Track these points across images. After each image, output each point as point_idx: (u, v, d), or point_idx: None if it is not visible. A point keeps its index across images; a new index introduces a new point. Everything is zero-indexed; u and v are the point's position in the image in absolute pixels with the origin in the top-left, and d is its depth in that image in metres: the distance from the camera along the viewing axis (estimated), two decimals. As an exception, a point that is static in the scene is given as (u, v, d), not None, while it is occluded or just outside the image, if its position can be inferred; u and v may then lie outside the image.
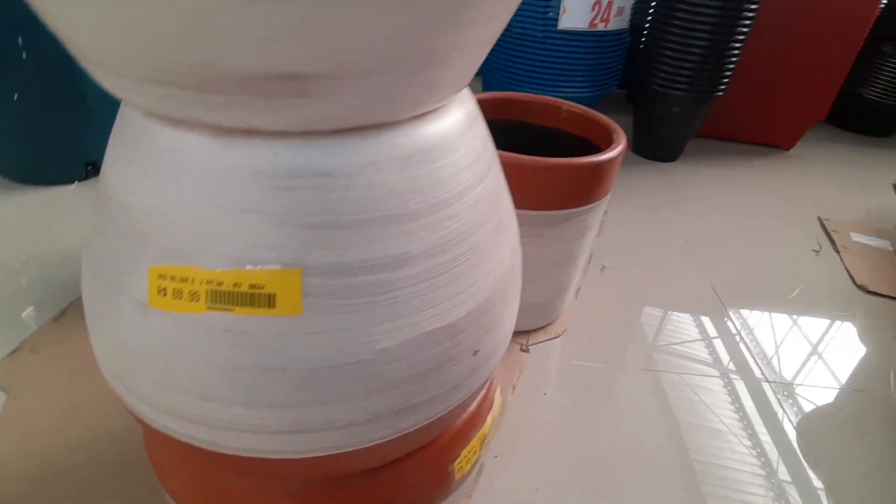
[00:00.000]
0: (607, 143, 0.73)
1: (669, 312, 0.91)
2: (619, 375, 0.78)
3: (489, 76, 1.54)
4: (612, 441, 0.67)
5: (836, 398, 0.78)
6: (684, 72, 1.30)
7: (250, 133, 0.25)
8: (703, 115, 1.41)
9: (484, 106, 0.84)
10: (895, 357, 0.86)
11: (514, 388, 0.73)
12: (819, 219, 1.25)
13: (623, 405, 0.73)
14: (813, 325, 0.92)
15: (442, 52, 0.25)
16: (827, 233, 1.20)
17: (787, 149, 1.64)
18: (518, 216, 0.55)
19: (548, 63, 1.40)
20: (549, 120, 0.85)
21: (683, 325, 0.89)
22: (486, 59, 1.50)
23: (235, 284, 0.26)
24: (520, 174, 0.64)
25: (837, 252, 1.13)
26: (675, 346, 0.84)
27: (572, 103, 0.83)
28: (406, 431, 0.33)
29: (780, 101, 1.54)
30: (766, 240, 1.16)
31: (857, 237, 1.18)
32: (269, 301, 0.26)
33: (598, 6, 1.31)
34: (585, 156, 0.66)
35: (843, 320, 0.94)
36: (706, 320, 0.90)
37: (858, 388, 0.80)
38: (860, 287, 1.02)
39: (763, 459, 0.67)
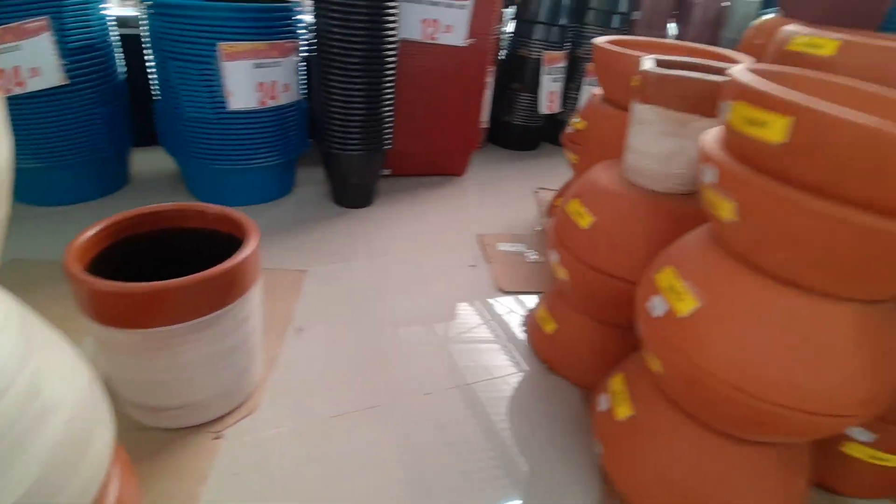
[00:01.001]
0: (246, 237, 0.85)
1: (358, 363, 1.09)
2: (305, 432, 0.91)
3: (183, 158, 1.56)
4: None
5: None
6: (352, 135, 1.51)
7: None
8: (380, 165, 1.65)
9: (136, 220, 0.89)
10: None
11: (205, 478, 0.81)
12: (477, 236, 1.59)
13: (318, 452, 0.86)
14: (467, 320, 1.19)
15: None
16: (482, 247, 1.53)
17: (461, 174, 2.01)
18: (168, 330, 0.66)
19: (231, 140, 1.49)
20: (200, 222, 0.94)
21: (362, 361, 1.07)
22: (172, 141, 1.50)
23: None
24: (145, 302, 0.72)
25: (488, 263, 1.45)
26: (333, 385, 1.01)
27: (217, 206, 0.93)
28: None
29: (442, 139, 1.87)
30: (439, 265, 1.43)
31: (502, 246, 1.53)
32: None
33: (262, 86, 1.44)
34: (224, 256, 0.77)
35: (484, 315, 1.23)
36: (389, 350, 1.10)
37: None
38: (499, 289, 1.34)
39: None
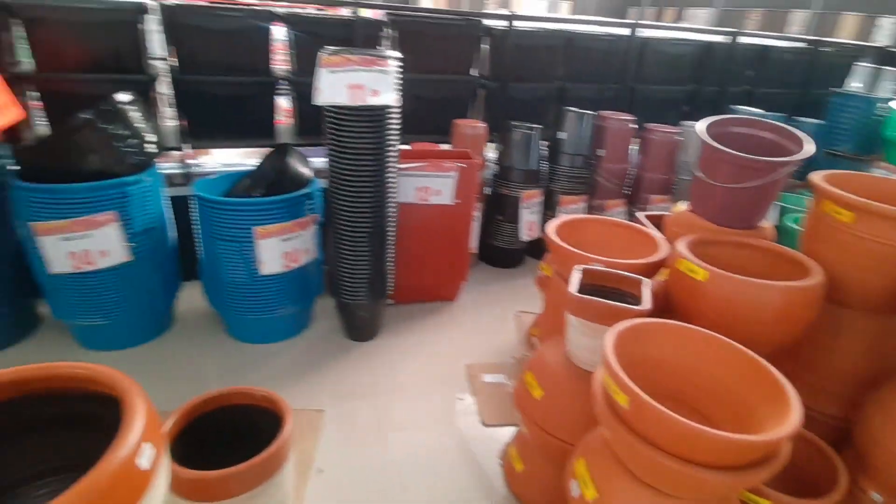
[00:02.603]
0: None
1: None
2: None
3: (223, 309, 1.89)
4: None
5: None
6: (360, 287, 1.85)
7: None
8: (384, 307, 1.98)
9: (203, 405, 1.20)
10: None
11: None
12: (466, 366, 1.89)
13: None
14: (455, 454, 1.47)
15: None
16: (469, 378, 1.82)
17: (454, 299, 2.33)
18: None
19: (261, 297, 1.83)
20: (247, 400, 1.25)
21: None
22: (221, 300, 1.83)
23: None
24: (215, 483, 1.02)
25: (474, 395, 1.74)
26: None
27: (263, 389, 1.24)
28: None
29: (436, 273, 2.21)
30: (433, 399, 1.72)
31: (486, 377, 1.83)
32: None
33: (287, 254, 1.79)
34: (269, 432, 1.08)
35: (467, 450, 1.51)
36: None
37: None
38: (483, 423, 1.63)
39: None
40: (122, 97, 1.67)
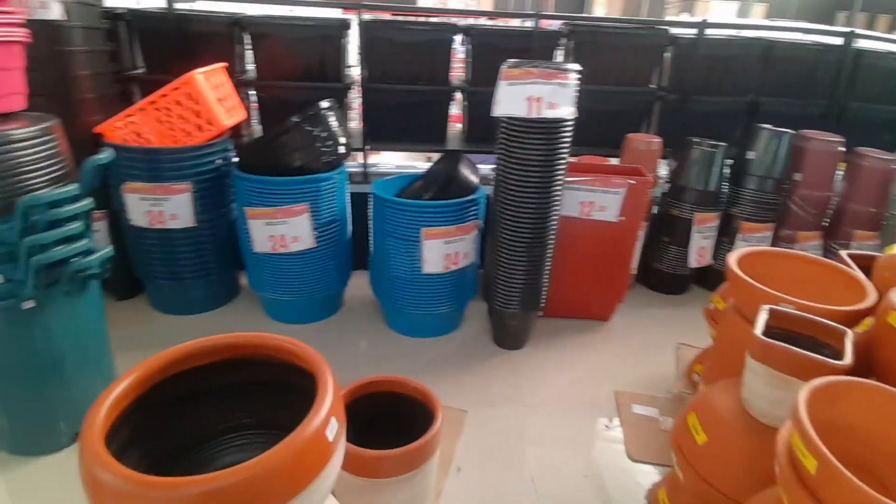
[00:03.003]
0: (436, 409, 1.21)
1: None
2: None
3: (385, 301, 2.04)
4: None
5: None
6: (513, 296, 1.86)
7: None
8: (535, 319, 1.97)
9: (363, 387, 1.31)
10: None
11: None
12: (615, 393, 1.79)
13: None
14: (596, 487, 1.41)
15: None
16: (618, 407, 1.73)
17: (607, 320, 2.24)
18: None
19: (421, 293, 1.93)
20: (402, 389, 1.33)
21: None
22: (384, 292, 1.98)
23: None
24: (374, 462, 1.10)
25: (622, 425, 1.65)
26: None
27: (416, 381, 1.32)
28: None
29: (591, 290, 2.14)
30: (577, 421, 1.67)
31: (636, 409, 1.72)
32: None
33: (448, 256, 1.87)
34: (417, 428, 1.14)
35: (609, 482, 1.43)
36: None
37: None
38: (630, 457, 1.53)
39: None
40: (325, 103, 1.89)
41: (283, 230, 1.88)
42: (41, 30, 1.75)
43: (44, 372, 1.38)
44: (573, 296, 2.14)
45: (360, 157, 2.57)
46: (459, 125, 2.93)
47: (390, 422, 1.36)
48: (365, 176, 2.60)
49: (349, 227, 2.14)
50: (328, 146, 1.88)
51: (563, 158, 1.71)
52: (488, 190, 1.99)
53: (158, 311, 2.16)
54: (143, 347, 1.89)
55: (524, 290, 1.85)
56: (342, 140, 1.95)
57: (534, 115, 1.56)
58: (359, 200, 2.25)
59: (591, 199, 1.95)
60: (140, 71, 2.43)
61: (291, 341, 0.82)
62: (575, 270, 2.07)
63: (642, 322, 2.26)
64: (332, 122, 1.91)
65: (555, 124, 1.61)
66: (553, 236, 1.82)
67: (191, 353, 0.79)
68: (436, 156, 3.27)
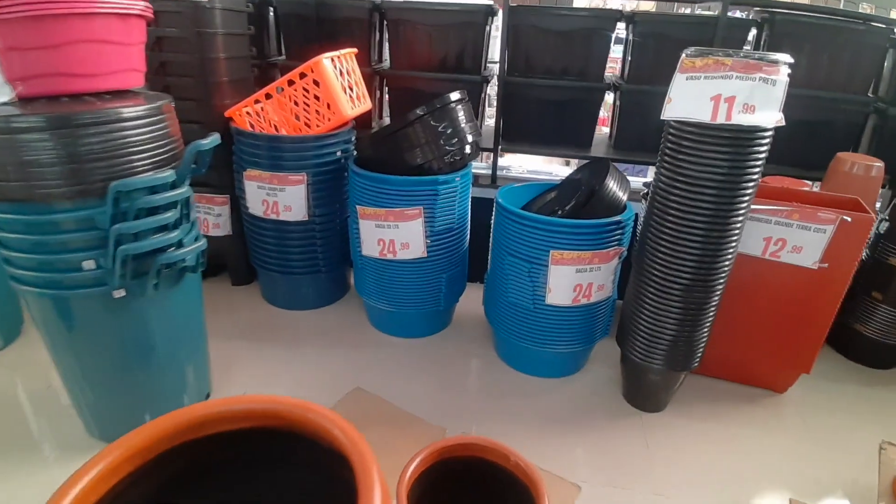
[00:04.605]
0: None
1: None
2: None
3: (498, 329, 1.76)
4: None
5: None
6: (658, 350, 1.47)
7: None
8: (682, 380, 1.55)
9: (449, 448, 1.04)
10: None
11: None
12: (789, 501, 1.32)
13: None
14: None
15: None
16: (794, 524, 1.27)
17: (781, 391, 1.72)
18: None
19: (541, 327, 1.62)
20: (500, 460, 1.04)
21: None
22: (497, 318, 1.70)
23: None
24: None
25: (799, 553, 1.20)
26: None
27: (517, 454, 1.02)
28: None
29: (765, 351, 1.65)
30: (731, 530, 1.25)
31: (822, 533, 1.24)
32: None
33: (578, 287, 1.54)
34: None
35: None
36: None
37: None
38: None
39: None
40: (454, 95, 1.65)
41: (392, 234, 1.68)
42: (185, 10, 1.74)
43: (133, 362, 1.32)
44: (739, 354, 1.67)
45: (489, 158, 2.32)
46: (605, 129, 2.56)
47: (480, 493, 1.08)
48: (493, 179, 2.34)
49: (467, 238, 1.89)
50: (453, 144, 1.64)
51: (754, 180, 1.28)
52: (638, 209, 1.61)
53: (268, 302, 2.10)
54: (243, 338, 1.85)
55: (674, 344, 1.44)
56: (470, 139, 1.69)
57: (721, 121, 1.16)
58: (483, 206, 1.99)
59: (783, 236, 1.48)
60: (280, 58, 2.41)
61: (334, 422, 0.57)
62: (746, 323, 1.61)
63: (831, 403, 1.71)
64: (461, 117, 1.67)
65: (748, 134, 1.20)
66: (723, 280, 1.40)
67: (204, 420, 0.58)
68: (576, 163, 2.91)
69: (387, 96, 2.33)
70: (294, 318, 2.01)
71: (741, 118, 1.18)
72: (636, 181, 2.31)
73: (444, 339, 1.93)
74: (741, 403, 1.68)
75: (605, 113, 3.08)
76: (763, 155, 1.26)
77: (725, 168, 1.24)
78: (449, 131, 1.62)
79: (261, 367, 1.73)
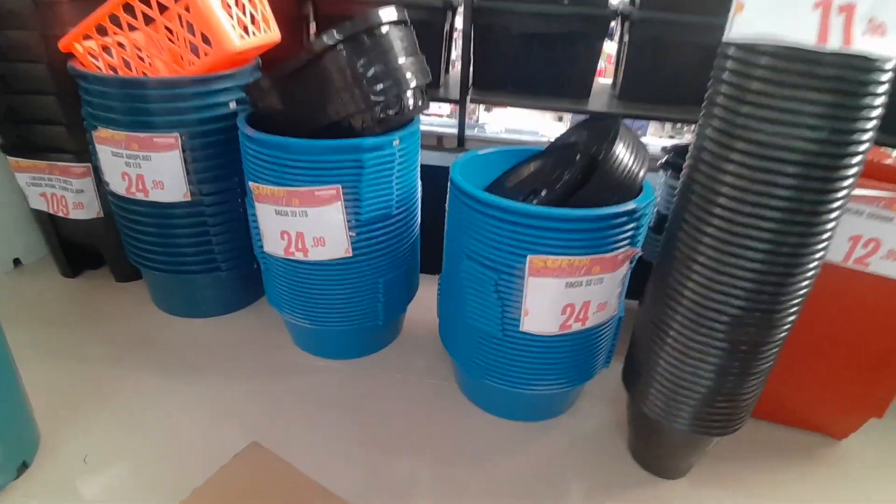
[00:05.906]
0: None
1: None
2: None
3: (458, 358, 1.26)
4: None
5: None
6: (687, 405, 0.98)
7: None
8: (711, 445, 1.07)
9: None
10: None
11: None
12: None
13: None
14: None
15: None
16: None
17: (840, 438, 1.26)
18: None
19: (514, 361, 1.13)
20: None
21: None
22: (455, 342, 1.21)
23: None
24: None
25: None
26: None
27: None
28: None
29: (826, 390, 1.18)
30: None
31: None
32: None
33: (569, 308, 1.04)
34: None
35: None
36: None
37: None
38: None
39: None
40: (386, 13, 1.08)
41: (300, 225, 1.15)
42: None
43: None
44: (793, 391, 1.20)
45: (449, 110, 1.76)
46: (602, 79, 2.02)
47: None
48: (460, 141, 1.79)
49: (416, 225, 1.36)
50: (384, 91, 1.09)
51: (862, 151, 0.76)
52: (659, 191, 1.09)
53: (158, 307, 1.58)
54: (112, 358, 1.35)
55: (709, 401, 0.95)
56: (413, 82, 1.14)
57: (834, 46, 0.63)
58: (445, 178, 1.45)
59: (877, 235, 0.97)
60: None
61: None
62: (807, 353, 1.12)
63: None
64: (399, 48, 1.11)
65: (869, 73, 0.68)
66: (796, 309, 0.89)
67: None
68: (570, 119, 2.39)
69: (314, 25, 1.74)
70: (188, 330, 1.50)
71: (865, 43, 0.65)
72: (651, 146, 1.78)
73: (386, 361, 1.44)
74: (792, 452, 1.21)
75: (603, 64, 2.54)
76: (880, 110, 0.74)
77: (825, 129, 0.72)
78: (376, 70, 1.07)
79: (123, 404, 1.23)
